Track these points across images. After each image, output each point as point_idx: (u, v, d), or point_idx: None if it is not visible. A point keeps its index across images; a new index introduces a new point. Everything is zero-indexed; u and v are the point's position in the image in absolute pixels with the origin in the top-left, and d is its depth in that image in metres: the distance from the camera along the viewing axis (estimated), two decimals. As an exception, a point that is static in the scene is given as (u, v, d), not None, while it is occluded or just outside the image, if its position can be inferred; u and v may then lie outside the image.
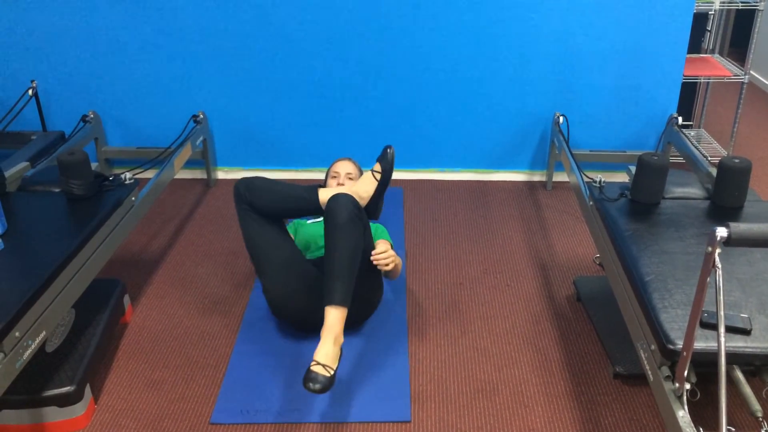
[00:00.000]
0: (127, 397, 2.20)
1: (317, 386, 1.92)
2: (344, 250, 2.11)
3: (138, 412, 2.13)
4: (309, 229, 2.63)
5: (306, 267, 2.34)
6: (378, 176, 2.35)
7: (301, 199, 2.31)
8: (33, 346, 1.81)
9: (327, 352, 1.99)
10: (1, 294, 1.79)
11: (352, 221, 2.14)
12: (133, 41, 3.48)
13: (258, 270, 2.34)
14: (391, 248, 2.47)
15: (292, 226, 2.71)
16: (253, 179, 2.33)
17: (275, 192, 2.31)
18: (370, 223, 2.70)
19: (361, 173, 2.80)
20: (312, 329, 2.41)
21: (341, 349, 2.05)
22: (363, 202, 2.35)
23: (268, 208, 2.30)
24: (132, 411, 2.14)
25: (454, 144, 3.73)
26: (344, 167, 2.75)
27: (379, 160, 2.36)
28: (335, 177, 2.73)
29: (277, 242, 2.32)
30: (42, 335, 1.86)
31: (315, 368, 1.95)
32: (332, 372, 1.96)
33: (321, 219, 2.68)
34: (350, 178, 2.71)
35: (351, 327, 2.46)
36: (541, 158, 3.75)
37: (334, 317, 2.06)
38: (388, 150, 2.34)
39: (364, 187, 2.36)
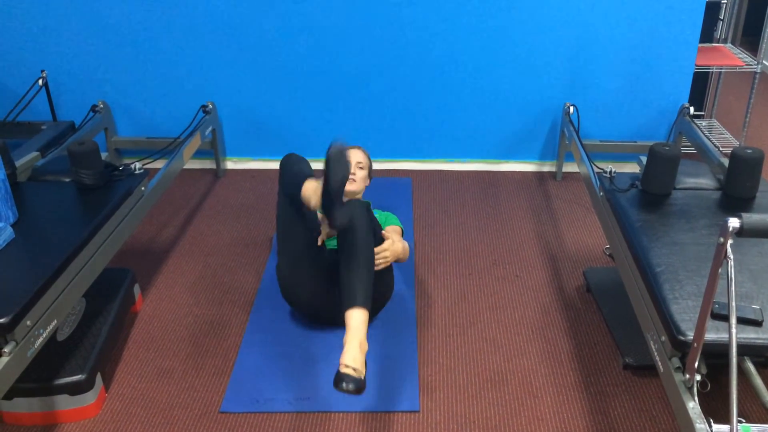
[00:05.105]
0: (137, 385, 2.21)
1: (350, 386, 1.78)
2: (362, 252, 2.05)
3: (148, 400, 2.15)
4: None
5: (320, 257, 2.32)
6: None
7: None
8: (44, 335, 1.82)
9: (354, 356, 1.85)
10: (13, 283, 1.80)
11: (367, 225, 2.11)
12: (142, 31, 3.48)
13: (278, 249, 2.32)
14: (401, 233, 2.47)
15: None
16: (290, 161, 2.23)
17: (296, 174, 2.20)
18: (381, 211, 2.70)
19: (370, 163, 2.79)
20: (320, 319, 2.41)
21: (366, 362, 1.92)
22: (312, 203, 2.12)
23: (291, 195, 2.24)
24: (142, 399, 2.15)
25: (464, 134, 3.71)
26: (355, 156, 2.70)
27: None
28: None
29: (299, 227, 2.25)
30: (53, 324, 1.87)
31: (345, 370, 1.82)
32: (363, 377, 1.82)
33: None
34: (360, 168, 2.69)
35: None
36: (551, 148, 3.74)
37: (358, 319, 1.94)
38: (331, 149, 1.96)
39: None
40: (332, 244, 2.52)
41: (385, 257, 2.26)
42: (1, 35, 3.50)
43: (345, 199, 2.63)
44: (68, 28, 3.48)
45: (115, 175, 2.47)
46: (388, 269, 2.39)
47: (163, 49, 3.52)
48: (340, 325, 2.45)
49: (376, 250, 2.21)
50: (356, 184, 2.64)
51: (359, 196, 2.70)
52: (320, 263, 2.30)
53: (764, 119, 4.49)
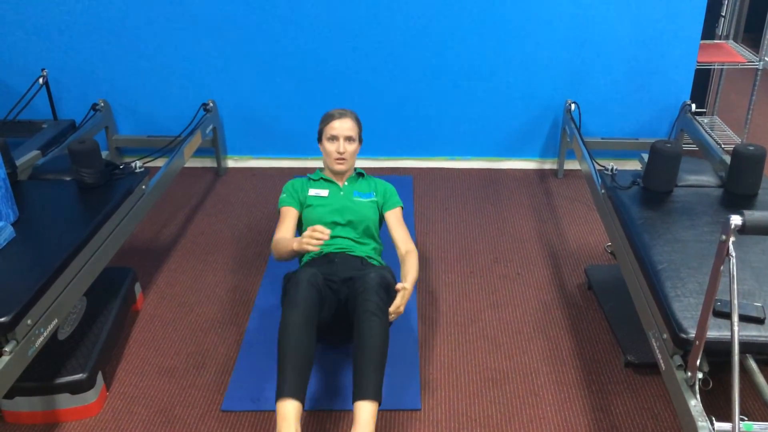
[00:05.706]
0: (138, 384, 2.21)
1: None
2: (376, 340, 1.92)
3: (150, 399, 2.15)
4: (314, 214, 2.40)
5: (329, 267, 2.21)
6: None
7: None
8: (45, 334, 1.82)
9: None
10: (13, 282, 1.80)
11: (382, 309, 1.99)
12: (143, 30, 3.47)
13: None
14: (401, 211, 2.42)
15: (292, 198, 2.42)
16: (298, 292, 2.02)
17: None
18: (378, 179, 2.53)
19: (360, 128, 2.45)
20: (327, 326, 2.34)
21: None
22: None
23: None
24: (144, 398, 2.15)
25: (465, 132, 3.71)
26: (343, 128, 2.36)
27: None
28: (333, 141, 2.37)
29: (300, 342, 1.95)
30: (54, 323, 1.87)
31: None
32: None
33: (322, 192, 2.46)
34: (351, 141, 2.38)
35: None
36: (553, 146, 3.73)
37: (368, 414, 1.79)
38: None
39: None
40: (337, 244, 2.38)
41: (399, 313, 2.10)
42: (1, 34, 3.50)
43: (338, 181, 2.52)
44: (68, 27, 3.48)
45: (115, 173, 2.47)
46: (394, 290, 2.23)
47: (163, 47, 3.52)
48: (340, 327, 2.43)
49: (390, 310, 2.05)
50: (347, 162, 2.39)
51: (351, 171, 2.49)
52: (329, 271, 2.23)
53: (766, 116, 4.48)
